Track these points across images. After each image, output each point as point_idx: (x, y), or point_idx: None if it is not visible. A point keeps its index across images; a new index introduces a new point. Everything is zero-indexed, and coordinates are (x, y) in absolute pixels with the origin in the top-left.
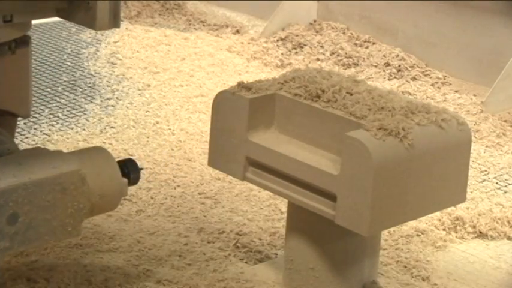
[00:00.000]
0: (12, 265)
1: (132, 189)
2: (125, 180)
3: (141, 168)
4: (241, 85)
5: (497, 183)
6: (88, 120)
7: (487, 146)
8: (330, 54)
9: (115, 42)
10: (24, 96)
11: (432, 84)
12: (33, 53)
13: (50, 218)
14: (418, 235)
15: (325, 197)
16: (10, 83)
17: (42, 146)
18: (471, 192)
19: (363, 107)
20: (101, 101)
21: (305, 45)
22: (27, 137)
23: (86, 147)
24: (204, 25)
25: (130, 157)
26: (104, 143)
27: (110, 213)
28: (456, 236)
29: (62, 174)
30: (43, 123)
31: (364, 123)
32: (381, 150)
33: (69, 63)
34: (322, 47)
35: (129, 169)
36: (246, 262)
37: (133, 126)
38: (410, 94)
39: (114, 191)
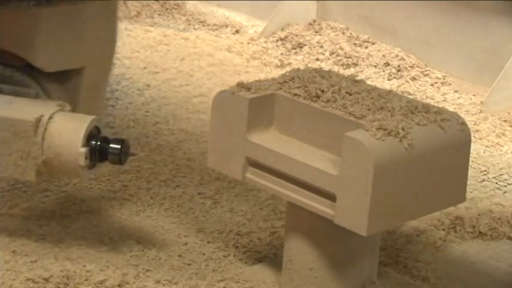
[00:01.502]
0: (12, 265)
1: (131, 189)
2: (83, 150)
3: (133, 154)
4: (240, 85)
5: (496, 183)
6: None
7: (486, 146)
8: (330, 54)
9: None
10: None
11: (432, 84)
12: None
13: (5, 153)
14: (417, 235)
15: (325, 197)
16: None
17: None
18: (471, 192)
19: (362, 107)
20: None
21: (304, 45)
22: None
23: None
24: (203, 25)
25: (125, 139)
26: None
27: (110, 213)
28: (456, 236)
29: (15, 120)
30: None
31: (363, 123)
32: (380, 150)
33: None
34: (321, 47)
35: (111, 147)
36: (245, 262)
37: (133, 126)
38: (409, 94)
39: (70, 155)
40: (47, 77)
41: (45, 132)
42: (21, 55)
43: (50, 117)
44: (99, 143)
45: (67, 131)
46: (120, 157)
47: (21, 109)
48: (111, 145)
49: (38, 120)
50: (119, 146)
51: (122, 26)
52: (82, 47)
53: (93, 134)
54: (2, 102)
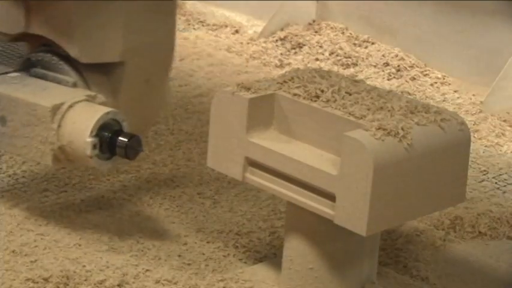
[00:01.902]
0: (12, 265)
1: (131, 189)
2: (89, 140)
3: (140, 150)
4: (240, 85)
5: (496, 183)
6: None
7: (486, 146)
8: (329, 54)
9: None
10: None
11: (431, 84)
12: None
13: (28, 136)
14: (417, 235)
15: (325, 197)
16: None
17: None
18: (470, 192)
19: (362, 107)
20: None
21: (304, 45)
22: None
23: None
24: (203, 25)
25: (137, 135)
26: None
27: (110, 213)
28: (455, 236)
29: (37, 105)
30: None
31: (363, 123)
32: (380, 150)
33: None
34: (321, 47)
35: (119, 140)
36: (245, 262)
37: None
38: (409, 94)
39: (79, 144)
40: (89, 68)
41: (62, 119)
42: (60, 44)
43: (71, 106)
44: (109, 135)
45: (80, 120)
46: (126, 151)
47: (48, 95)
48: (119, 138)
49: (57, 107)
50: (126, 140)
51: None
52: (119, 42)
53: (107, 126)
54: (37, 88)
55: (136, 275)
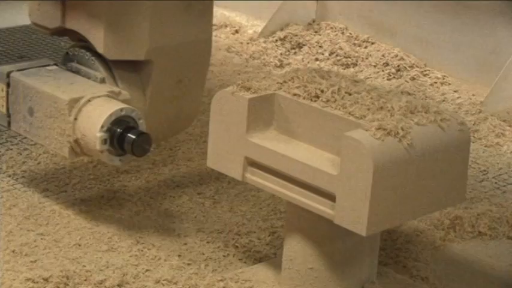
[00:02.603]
0: (12, 265)
1: (131, 189)
2: (98, 134)
3: (148, 148)
4: (240, 85)
5: (496, 183)
6: None
7: (486, 146)
8: (329, 54)
9: None
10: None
11: (431, 84)
12: (31, 53)
13: (49, 127)
14: (417, 235)
15: (325, 197)
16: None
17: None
18: (470, 192)
19: (362, 107)
20: None
21: (304, 45)
22: (26, 137)
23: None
24: None
25: (147, 134)
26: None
27: (110, 213)
28: (455, 236)
29: (57, 97)
30: None
31: (363, 123)
32: (379, 150)
33: None
34: (321, 47)
35: (127, 136)
36: (245, 262)
37: None
38: (409, 94)
39: (91, 138)
40: (119, 65)
41: (79, 113)
42: (89, 40)
43: (89, 100)
44: (120, 131)
45: (94, 114)
46: (133, 147)
47: (70, 89)
48: (128, 134)
49: (75, 100)
50: (134, 136)
51: None
52: (145, 41)
53: (121, 122)
54: (65, 82)
55: (136, 275)
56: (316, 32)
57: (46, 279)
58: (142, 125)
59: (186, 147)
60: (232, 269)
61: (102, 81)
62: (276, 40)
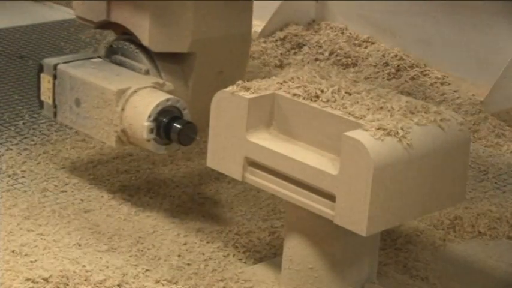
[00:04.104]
0: (12, 265)
1: (131, 189)
2: (146, 124)
3: (194, 137)
4: (240, 85)
5: (496, 183)
6: None
7: (486, 146)
8: (329, 54)
9: None
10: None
11: (431, 84)
12: (31, 53)
13: (96, 117)
14: (417, 235)
15: (324, 196)
16: None
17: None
18: (470, 192)
19: (361, 107)
20: None
21: (304, 45)
22: (26, 137)
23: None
24: None
25: (192, 123)
26: (103, 142)
27: (109, 213)
28: (455, 236)
29: (105, 88)
30: (42, 123)
31: (363, 123)
32: (379, 150)
33: None
34: (320, 47)
35: (174, 126)
36: (245, 262)
37: None
38: (409, 94)
39: (138, 128)
40: (162, 57)
41: (126, 103)
42: (134, 33)
43: (135, 91)
44: (166, 121)
45: (141, 105)
46: (180, 136)
47: (117, 81)
48: (174, 124)
49: (122, 91)
50: (181, 126)
51: None
52: (188, 34)
53: (166, 112)
54: (110, 73)
55: (136, 275)
56: (316, 32)
57: (46, 279)
58: (187, 115)
59: (186, 147)
60: (232, 269)
61: (147, 72)
62: (276, 40)
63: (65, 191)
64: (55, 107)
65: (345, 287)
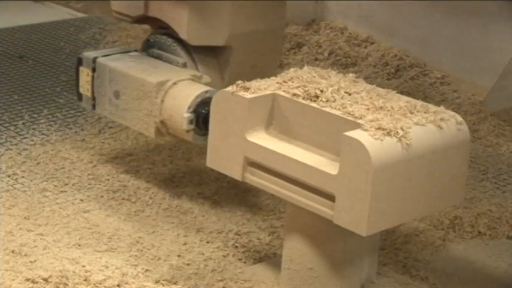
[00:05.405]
0: (11, 265)
1: (130, 189)
2: (186, 115)
3: None
4: (240, 85)
5: (496, 183)
6: (87, 120)
7: (485, 146)
8: (329, 54)
9: (114, 42)
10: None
11: (431, 84)
12: (30, 53)
13: (136, 109)
14: (416, 235)
15: (324, 197)
16: None
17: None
18: (470, 192)
19: (361, 107)
20: None
21: (303, 45)
22: (25, 137)
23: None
24: None
25: None
26: (103, 142)
27: (109, 213)
28: (455, 236)
29: (144, 81)
30: (42, 123)
31: (362, 123)
32: (379, 150)
33: (67, 63)
34: (320, 47)
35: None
36: (244, 262)
37: None
38: (408, 94)
39: (178, 119)
40: (199, 51)
41: (166, 95)
42: (172, 27)
43: (174, 83)
44: (205, 112)
45: (180, 96)
46: None
47: (156, 73)
48: None
49: (162, 83)
50: None
51: (121, 25)
52: (226, 27)
53: (205, 104)
54: (149, 66)
55: (136, 275)
56: (315, 32)
57: (46, 279)
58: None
59: (185, 147)
60: (232, 269)
61: (184, 65)
62: None
63: (65, 191)
64: (94, 99)
65: (345, 287)
